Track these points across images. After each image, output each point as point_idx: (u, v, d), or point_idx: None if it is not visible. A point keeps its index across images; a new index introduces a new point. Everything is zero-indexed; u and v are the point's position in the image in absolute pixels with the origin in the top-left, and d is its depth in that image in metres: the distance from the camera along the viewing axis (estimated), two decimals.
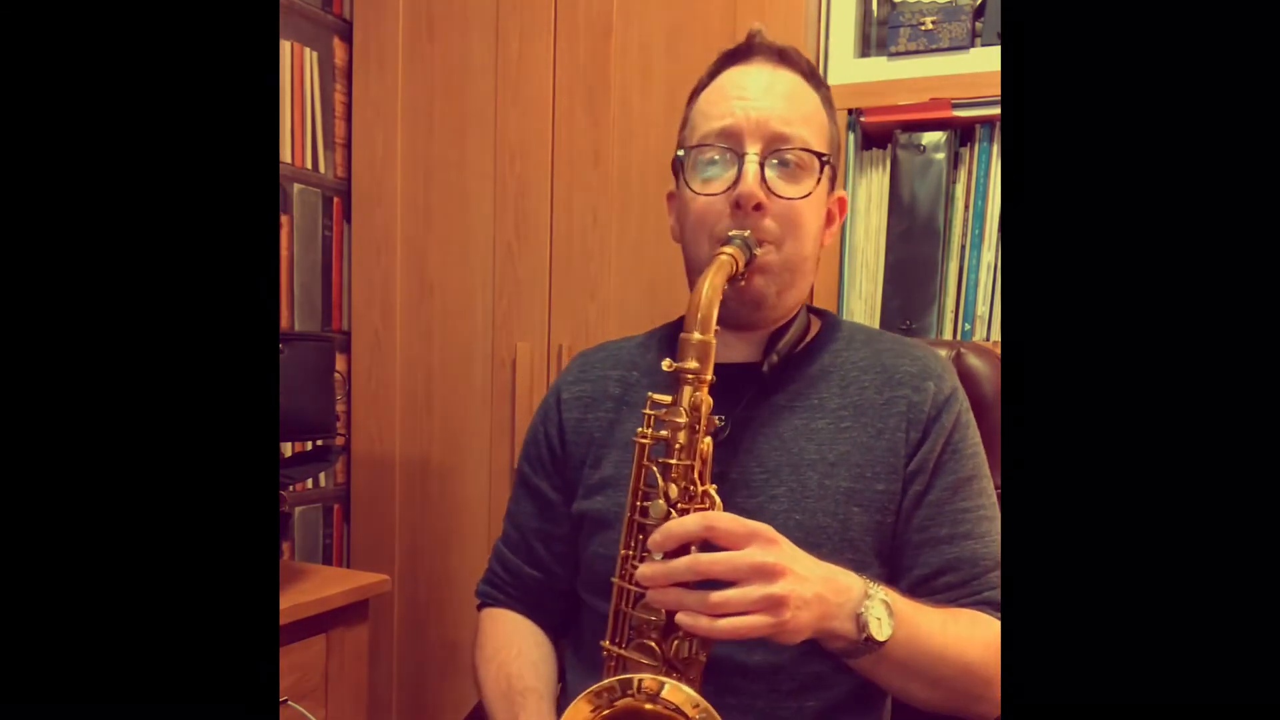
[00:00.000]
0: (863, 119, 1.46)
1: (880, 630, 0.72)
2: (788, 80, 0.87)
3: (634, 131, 1.51)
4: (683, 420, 0.73)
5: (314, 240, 1.77)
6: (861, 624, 0.72)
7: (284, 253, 1.71)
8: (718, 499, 0.74)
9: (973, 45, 1.41)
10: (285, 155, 1.70)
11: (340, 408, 1.79)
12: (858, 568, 0.77)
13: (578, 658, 0.93)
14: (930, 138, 1.42)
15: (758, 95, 0.85)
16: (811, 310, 0.95)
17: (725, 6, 1.42)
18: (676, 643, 0.71)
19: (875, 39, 1.51)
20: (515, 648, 0.93)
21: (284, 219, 1.70)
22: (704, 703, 0.65)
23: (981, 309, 1.40)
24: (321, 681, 1.37)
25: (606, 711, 0.67)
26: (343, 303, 1.83)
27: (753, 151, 0.83)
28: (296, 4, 1.70)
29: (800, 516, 0.82)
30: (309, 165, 1.75)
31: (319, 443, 1.51)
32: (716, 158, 0.85)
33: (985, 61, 1.39)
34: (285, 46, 1.68)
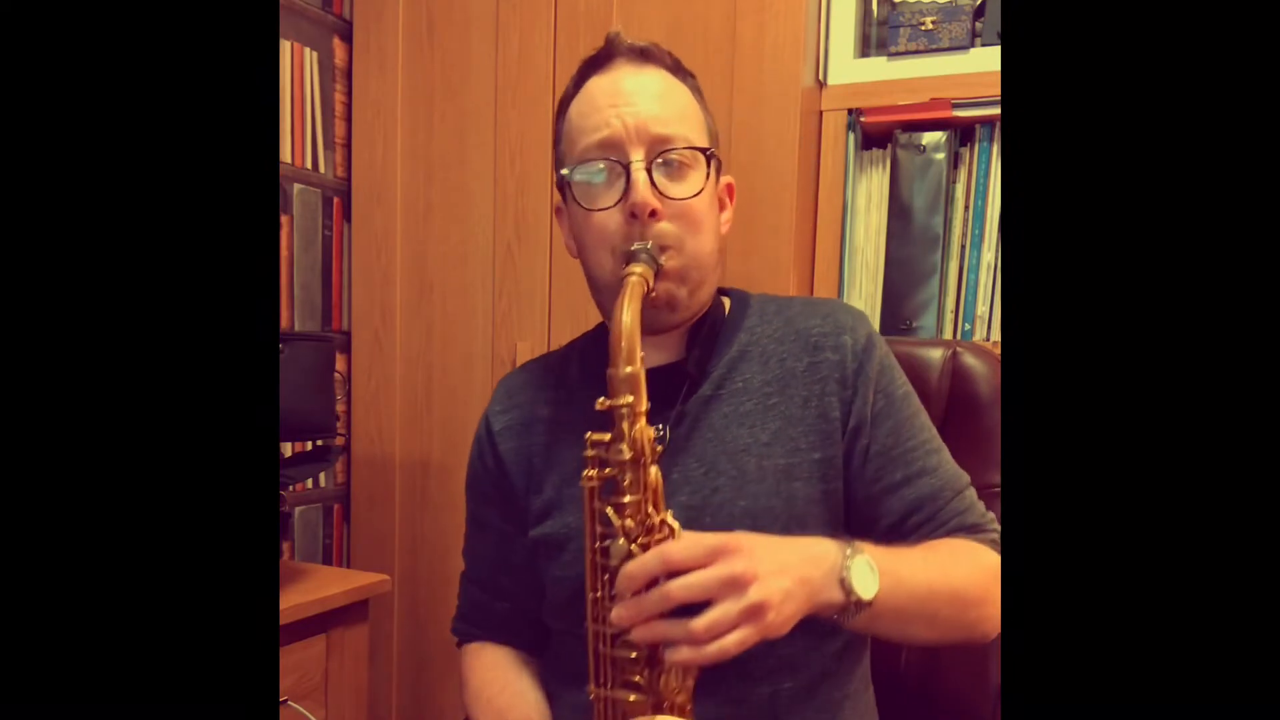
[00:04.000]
0: (863, 119, 1.46)
1: (866, 588, 0.72)
2: (656, 79, 0.86)
3: None
4: (626, 456, 0.72)
5: (314, 240, 1.77)
6: (847, 587, 0.71)
7: (284, 253, 1.71)
8: (676, 525, 0.73)
9: (973, 45, 1.42)
10: (285, 155, 1.70)
11: (340, 408, 1.79)
12: None
13: (554, 677, 0.92)
14: (930, 138, 1.42)
15: (630, 100, 0.84)
16: (722, 291, 0.95)
17: (725, 6, 1.42)
18: (663, 676, 0.71)
19: (875, 39, 1.51)
20: (499, 682, 0.92)
21: (284, 219, 1.70)
22: None
23: (981, 309, 1.40)
24: (321, 681, 1.37)
25: None
26: (343, 303, 1.83)
27: (638, 159, 0.82)
28: (296, 4, 1.70)
29: (745, 503, 0.82)
30: (309, 165, 1.75)
31: (319, 443, 1.51)
32: (602, 170, 0.84)
33: (985, 61, 1.39)
34: (285, 46, 1.68)
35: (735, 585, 0.66)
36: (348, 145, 1.80)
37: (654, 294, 0.81)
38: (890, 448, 0.84)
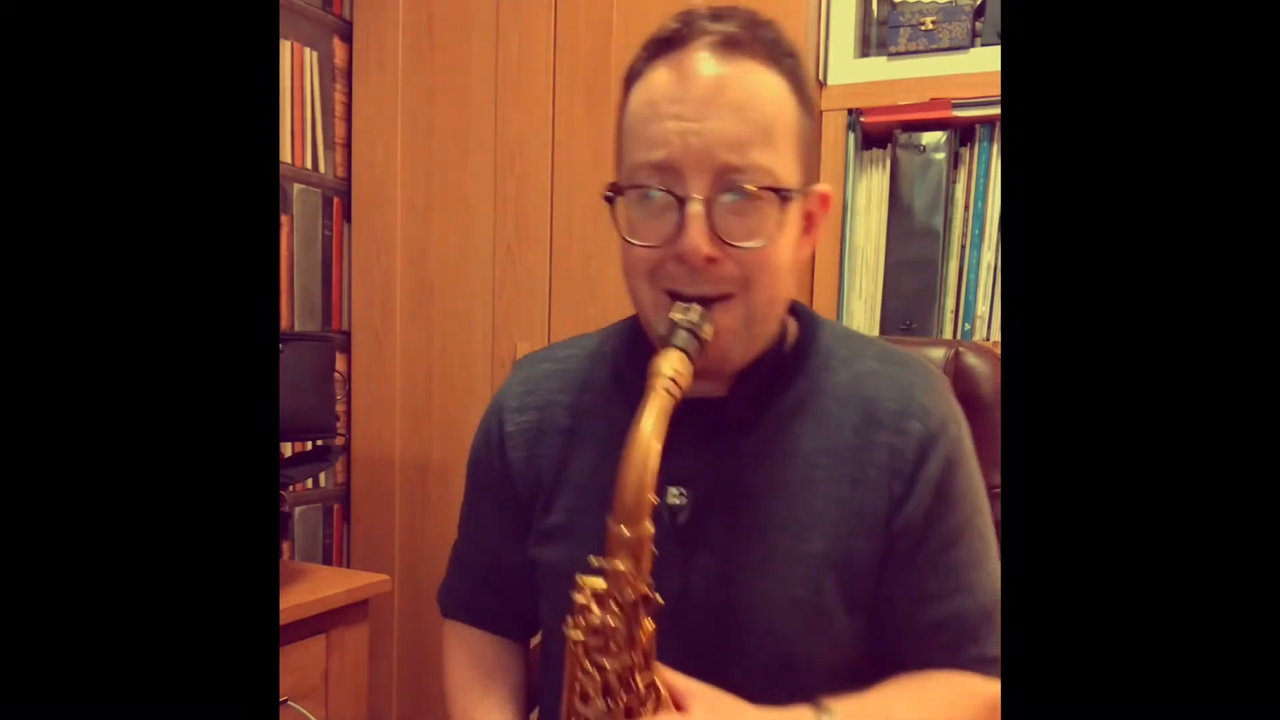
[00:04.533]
0: (863, 119, 1.46)
1: None
2: (741, 78, 0.68)
3: None
4: (616, 622, 0.63)
5: (314, 240, 1.77)
6: None
7: (284, 253, 1.71)
8: (663, 686, 0.66)
9: (973, 45, 1.42)
10: (285, 155, 1.70)
11: (340, 408, 1.79)
12: (831, 635, 0.74)
13: (546, 685, 0.87)
14: (930, 138, 1.42)
15: (698, 110, 0.67)
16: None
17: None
18: None
19: (875, 39, 1.52)
20: (480, 686, 0.87)
21: (284, 219, 1.71)
22: None
23: (981, 309, 1.40)
24: (321, 681, 1.37)
25: None
26: (343, 303, 1.83)
27: (697, 194, 0.67)
28: (296, 4, 1.70)
29: (768, 586, 0.73)
30: (309, 165, 1.75)
31: (319, 443, 1.51)
32: (654, 197, 0.69)
33: (985, 61, 1.39)
34: (285, 46, 1.68)
35: None
36: (348, 145, 1.80)
37: (697, 365, 0.67)
38: (936, 556, 0.74)
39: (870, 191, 1.47)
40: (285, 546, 1.75)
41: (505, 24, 1.61)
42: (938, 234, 1.42)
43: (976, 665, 0.75)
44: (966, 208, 1.41)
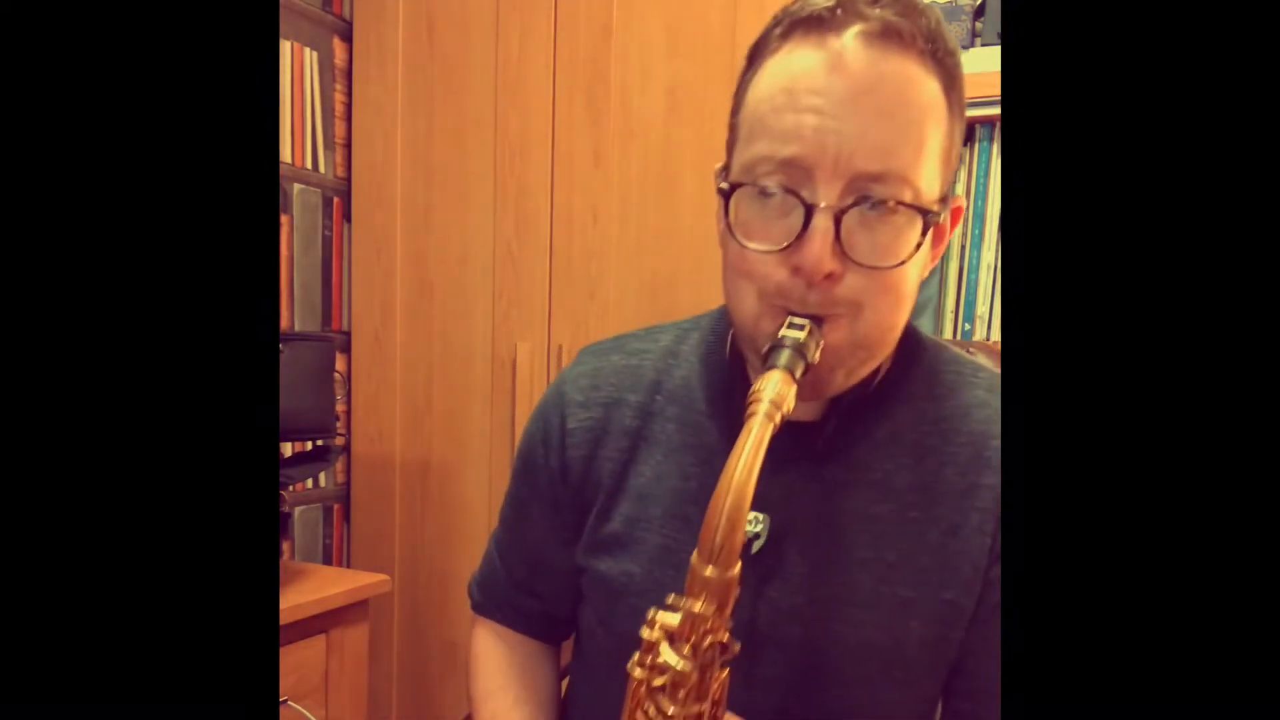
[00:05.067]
0: None
1: None
2: (892, 77, 0.59)
3: (634, 131, 1.51)
4: (687, 667, 0.57)
5: (314, 240, 1.77)
6: None
7: (284, 253, 1.71)
8: None
9: (973, 45, 1.42)
10: (285, 155, 1.70)
11: (340, 408, 1.79)
12: (908, 686, 0.69)
13: (587, 688, 0.85)
14: None
15: (841, 108, 0.59)
16: None
17: (725, 6, 1.42)
18: None
19: None
20: (512, 693, 0.84)
21: (284, 219, 1.71)
22: None
23: (981, 309, 1.40)
24: (321, 681, 1.37)
25: None
26: (343, 303, 1.83)
27: (826, 202, 0.59)
28: (296, 4, 1.70)
29: (845, 629, 0.68)
30: (309, 165, 1.75)
31: (319, 443, 1.51)
32: (773, 193, 0.61)
33: (985, 61, 1.39)
34: (285, 46, 1.68)
35: None
36: (348, 145, 1.80)
37: (796, 384, 0.60)
38: None
39: None
40: (285, 546, 1.75)
41: (505, 24, 1.61)
42: None
43: None
44: (966, 207, 1.41)
